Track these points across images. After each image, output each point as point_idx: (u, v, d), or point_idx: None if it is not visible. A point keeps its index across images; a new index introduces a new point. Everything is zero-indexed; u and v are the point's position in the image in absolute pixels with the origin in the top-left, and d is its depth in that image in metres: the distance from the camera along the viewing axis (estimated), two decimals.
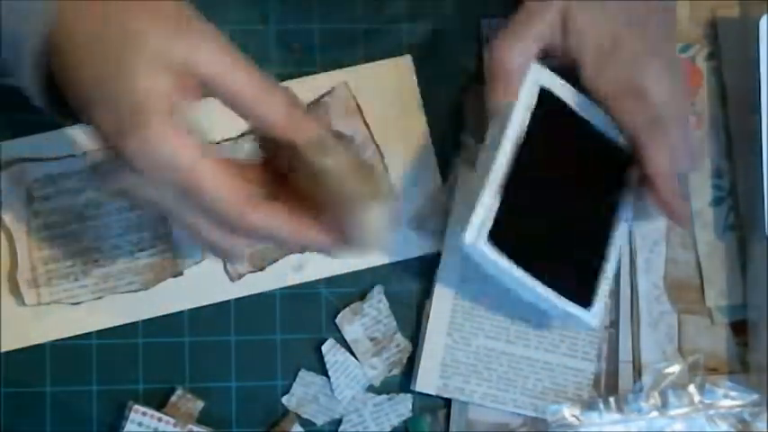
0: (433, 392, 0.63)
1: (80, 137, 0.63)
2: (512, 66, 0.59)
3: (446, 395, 0.63)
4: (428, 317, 0.64)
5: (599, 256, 0.61)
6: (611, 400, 0.64)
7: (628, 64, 0.59)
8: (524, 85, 0.60)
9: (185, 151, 0.47)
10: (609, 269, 0.62)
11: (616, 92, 0.59)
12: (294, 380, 0.64)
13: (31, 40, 0.48)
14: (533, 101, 0.59)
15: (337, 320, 0.64)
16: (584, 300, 0.61)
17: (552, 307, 0.61)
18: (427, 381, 0.63)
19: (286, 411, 0.63)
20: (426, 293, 0.64)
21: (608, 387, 0.64)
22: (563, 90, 0.61)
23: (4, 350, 0.62)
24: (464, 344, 0.64)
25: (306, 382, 0.64)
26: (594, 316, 0.61)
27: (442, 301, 0.64)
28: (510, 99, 0.59)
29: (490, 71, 0.60)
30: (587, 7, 0.59)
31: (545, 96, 0.60)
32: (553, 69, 0.60)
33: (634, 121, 0.59)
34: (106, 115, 0.47)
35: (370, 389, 0.64)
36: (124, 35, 0.47)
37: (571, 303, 0.60)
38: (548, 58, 0.60)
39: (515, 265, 0.59)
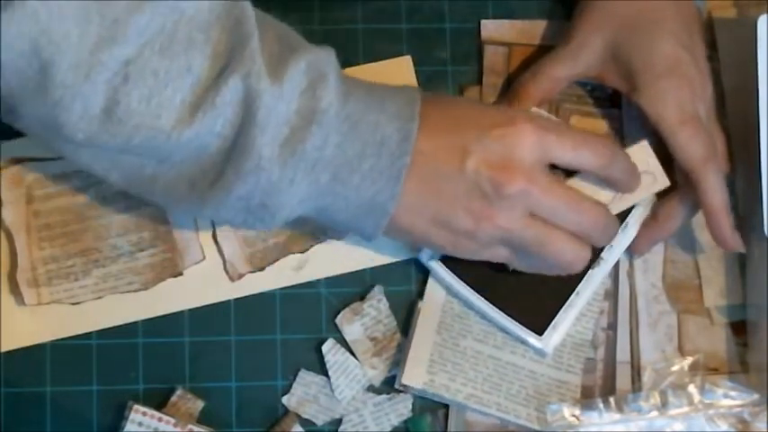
0: (419, 386, 0.62)
1: None
2: (532, 98, 0.64)
3: (432, 390, 0.62)
4: (419, 312, 0.64)
5: (567, 287, 0.63)
6: (611, 399, 0.64)
7: (687, 89, 0.61)
8: None
9: None
10: (577, 301, 0.63)
11: (680, 118, 0.60)
12: (294, 380, 0.64)
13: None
14: None
15: (337, 320, 0.64)
16: (539, 326, 0.62)
17: (505, 328, 0.63)
18: (414, 375, 0.63)
19: (286, 411, 0.63)
20: None
21: (606, 388, 0.64)
22: None
23: (4, 350, 0.62)
24: (452, 343, 0.64)
25: (306, 382, 0.64)
26: (545, 343, 0.63)
27: (434, 299, 0.64)
28: None
29: (513, 88, 0.65)
30: (638, 36, 0.61)
31: None
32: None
33: (692, 152, 0.60)
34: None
35: (370, 389, 0.64)
36: None
37: (521, 327, 0.62)
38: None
39: (467, 286, 0.62)
